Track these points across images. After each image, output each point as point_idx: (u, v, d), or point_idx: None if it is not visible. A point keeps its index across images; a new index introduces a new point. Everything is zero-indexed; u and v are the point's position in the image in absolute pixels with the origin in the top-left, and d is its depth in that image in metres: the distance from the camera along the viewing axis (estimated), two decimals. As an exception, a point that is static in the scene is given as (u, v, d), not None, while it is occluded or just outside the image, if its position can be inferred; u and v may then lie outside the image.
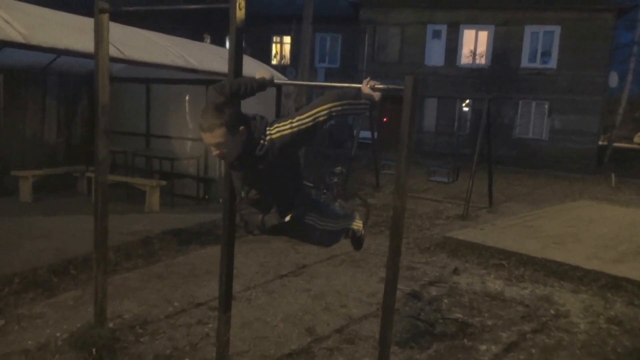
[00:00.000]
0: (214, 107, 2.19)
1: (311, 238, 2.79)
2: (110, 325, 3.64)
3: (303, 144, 2.34)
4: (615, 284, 5.05)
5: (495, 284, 5.12)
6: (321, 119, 2.28)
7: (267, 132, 2.27)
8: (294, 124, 2.26)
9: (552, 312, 4.46)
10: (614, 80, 19.85)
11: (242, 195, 2.50)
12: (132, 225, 6.06)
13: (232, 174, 2.54)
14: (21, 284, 4.24)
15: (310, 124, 2.27)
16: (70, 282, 4.48)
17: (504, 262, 5.71)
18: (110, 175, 3.98)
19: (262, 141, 2.25)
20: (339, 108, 2.32)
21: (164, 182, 7.35)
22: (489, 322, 4.17)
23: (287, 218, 2.46)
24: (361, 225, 3.15)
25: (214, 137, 2.17)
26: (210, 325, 3.75)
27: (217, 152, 2.23)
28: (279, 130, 2.27)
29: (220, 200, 5.74)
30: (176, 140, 8.32)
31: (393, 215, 2.49)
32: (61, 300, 4.11)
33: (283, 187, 2.45)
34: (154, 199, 7.14)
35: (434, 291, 4.86)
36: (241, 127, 2.21)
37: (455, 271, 5.47)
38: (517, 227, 7.27)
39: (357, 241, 3.23)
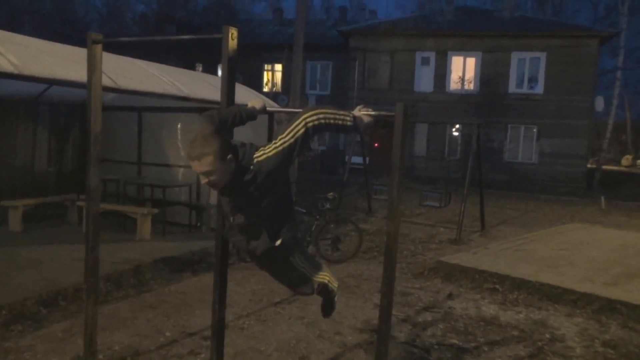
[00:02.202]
0: (202, 137, 2.22)
1: (287, 277, 2.81)
2: (101, 357, 3.56)
3: (289, 162, 2.34)
4: (609, 307, 5.04)
5: (489, 309, 5.10)
6: (300, 133, 2.29)
7: (255, 157, 2.31)
8: (277, 144, 2.30)
9: (548, 336, 4.43)
10: (600, 104, 20.25)
11: (231, 220, 2.50)
12: (123, 254, 6.00)
13: (221, 199, 2.54)
14: (9, 316, 4.15)
15: (291, 140, 2.29)
16: (60, 313, 4.40)
17: (497, 286, 5.70)
18: (102, 203, 3.95)
19: (251, 166, 2.28)
20: (314, 117, 2.31)
21: (155, 210, 7.31)
22: (485, 348, 4.13)
23: (278, 242, 2.46)
24: (336, 285, 3.02)
25: (203, 165, 2.21)
26: (203, 356, 3.68)
27: (206, 179, 2.26)
28: (264, 152, 2.31)
29: (213, 227, 5.71)
30: (168, 167, 8.31)
31: (386, 241, 2.49)
32: (50, 332, 4.02)
33: (273, 213, 2.44)
34: (145, 227, 7.08)
35: (428, 317, 4.82)
36: (229, 156, 2.24)
37: (450, 296, 5.44)
38: (510, 250, 7.28)
39: (329, 302, 3.09)
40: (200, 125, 2.45)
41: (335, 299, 3.09)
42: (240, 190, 2.33)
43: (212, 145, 2.20)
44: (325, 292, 2.97)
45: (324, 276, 2.90)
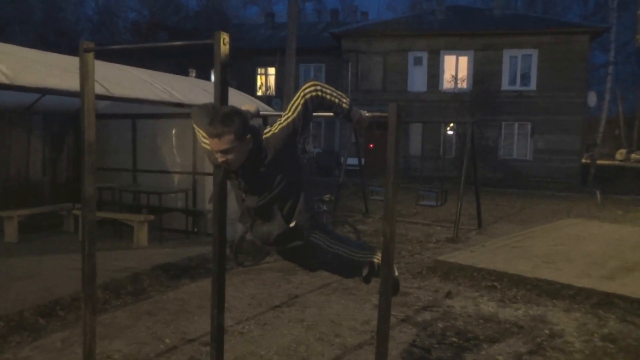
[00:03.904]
0: (223, 114, 2.24)
1: (325, 263, 2.70)
2: (100, 366, 3.55)
3: (295, 138, 2.36)
4: (607, 301, 5.06)
5: (488, 306, 5.11)
6: (300, 106, 2.34)
7: (263, 134, 2.37)
8: (281, 120, 2.37)
9: (547, 332, 4.45)
10: (592, 99, 20.35)
11: (243, 199, 2.49)
12: (120, 262, 5.98)
13: (231, 184, 2.55)
14: (6, 327, 4.12)
15: (293, 115, 2.35)
16: (58, 323, 4.38)
17: (496, 284, 5.71)
18: (97, 212, 3.93)
19: (263, 144, 2.34)
20: (312, 89, 2.36)
21: (151, 217, 7.29)
22: (485, 345, 4.14)
23: (292, 224, 2.46)
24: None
25: (222, 143, 2.22)
26: (203, 362, 3.68)
27: (223, 158, 2.27)
28: (271, 130, 2.37)
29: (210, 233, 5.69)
30: (163, 174, 8.29)
31: (383, 242, 2.49)
32: (48, 342, 4.00)
33: (284, 193, 2.44)
34: (142, 234, 7.06)
35: (428, 316, 4.83)
36: (248, 136, 2.27)
37: (448, 295, 5.45)
38: (507, 247, 7.29)
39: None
40: (199, 112, 2.47)
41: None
42: (252, 169, 2.36)
43: (233, 123, 2.22)
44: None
45: (365, 254, 2.77)
